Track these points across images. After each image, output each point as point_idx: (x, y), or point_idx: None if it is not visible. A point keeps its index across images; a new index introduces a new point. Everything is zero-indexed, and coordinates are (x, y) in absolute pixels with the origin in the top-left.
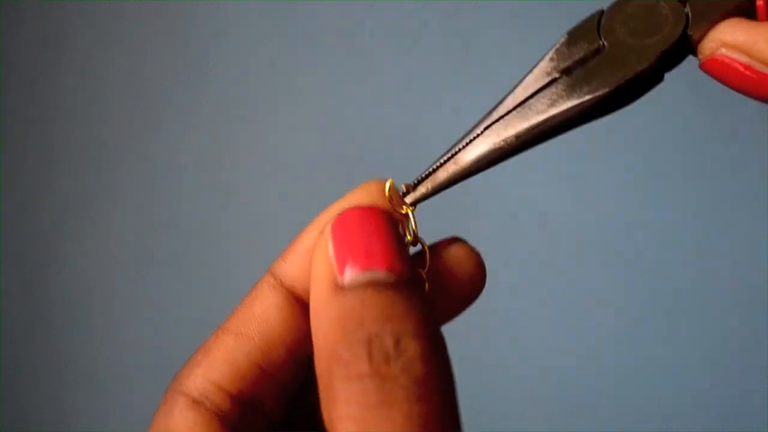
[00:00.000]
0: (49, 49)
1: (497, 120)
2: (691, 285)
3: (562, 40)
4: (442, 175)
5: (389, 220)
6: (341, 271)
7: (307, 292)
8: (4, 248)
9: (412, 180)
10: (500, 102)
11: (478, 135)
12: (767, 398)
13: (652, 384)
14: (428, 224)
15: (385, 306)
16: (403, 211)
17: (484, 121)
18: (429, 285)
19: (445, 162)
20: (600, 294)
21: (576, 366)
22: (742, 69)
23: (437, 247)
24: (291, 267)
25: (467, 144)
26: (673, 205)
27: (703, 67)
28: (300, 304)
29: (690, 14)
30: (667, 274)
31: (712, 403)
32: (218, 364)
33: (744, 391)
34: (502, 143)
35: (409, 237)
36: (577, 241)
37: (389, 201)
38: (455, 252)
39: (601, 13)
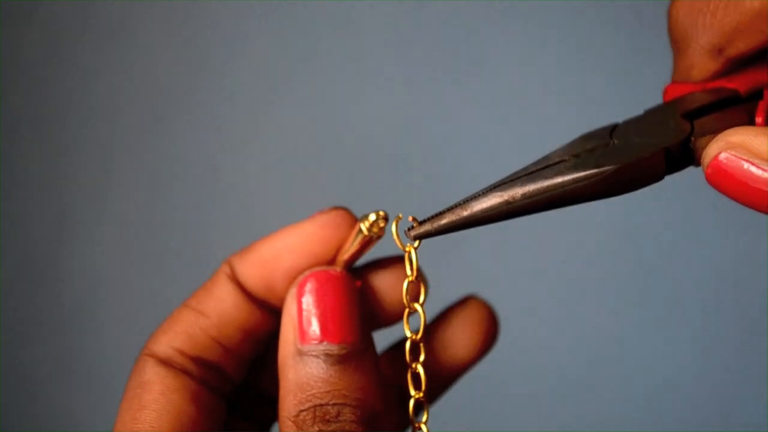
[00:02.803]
0: (50, 48)
1: (507, 181)
2: (690, 285)
3: (575, 138)
4: (449, 217)
5: (348, 289)
6: (301, 338)
7: (257, 292)
8: (5, 248)
9: (419, 216)
10: (510, 174)
11: (488, 191)
12: (767, 398)
13: (652, 384)
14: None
15: (332, 381)
16: (407, 249)
17: (495, 184)
18: (425, 343)
19: (455, 207)
20: (599, 294)
21: (575, 366)
22: (745, 170)
23: (451, 308)
24: (246, 269)
25: (477, 196)
26: (672, 205)
27: (709, 170)
28: (251, 297)
29: (695, 128)
30: (666, 274)
31: (711, 403)
32: (179, 335)
33: (744, 391)
34: (509, 199)
35: (410, 276)
36: (576, 240)
37: (395, 237)
38: (470, 310)
39: (615, 125)
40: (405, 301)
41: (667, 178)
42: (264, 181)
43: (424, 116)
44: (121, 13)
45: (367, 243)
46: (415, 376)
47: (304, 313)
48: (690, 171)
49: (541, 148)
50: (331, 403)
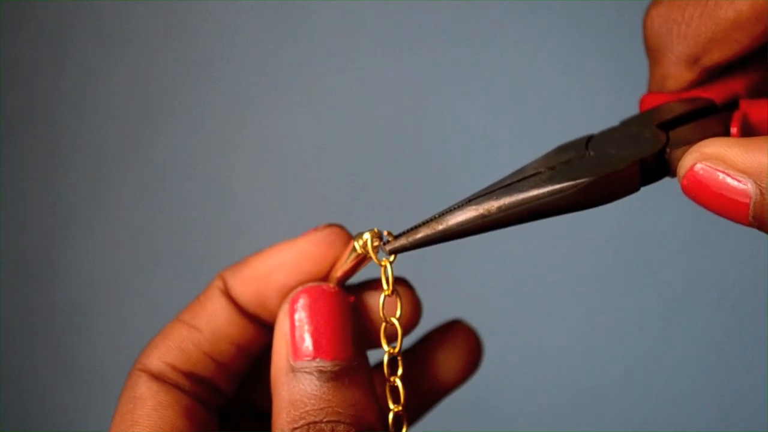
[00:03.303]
0: (52, 48)
1: (482, 195)
2: (690, 285)
3: (551, 150)
4: (424, 231)
5: (341, 305)
6: (294, 355)
7: (250, 307)
8: (5, 248)
9: (395, 230)
10: (485, 187)
11: (463, 204)
12: (767, 398)
13: (652, 384)
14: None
15: (326, 397)
16: (383, 263)
17: (471, 197)
18: (402, 361)
19: (430, 221)
20: (599, 294)
21: (575, 366)
22: (720, 180)
23: (436, 330)
24: (239, 284)
25: (452, 210)
26: (672, 205)
27: (684, 181)
28: (243, 312)
29: (670, 138)
30: (666, 274)
31: (711, 403)
32: (172, 350)
33: (744, 391)
34: (485, 212)
35: (386, 290)
36: (576, 240)
37: (371, 251)
38: (455, 335)
39: (591, 136)
40: (381, 315)
41: (671, 181)
42: (263, 183)
43: (425, 117)
44: (120, 13)
45: (361, 261)
46: (394, 390)
47: (297, 329)
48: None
49: (540, 148)
50: (324, 420)
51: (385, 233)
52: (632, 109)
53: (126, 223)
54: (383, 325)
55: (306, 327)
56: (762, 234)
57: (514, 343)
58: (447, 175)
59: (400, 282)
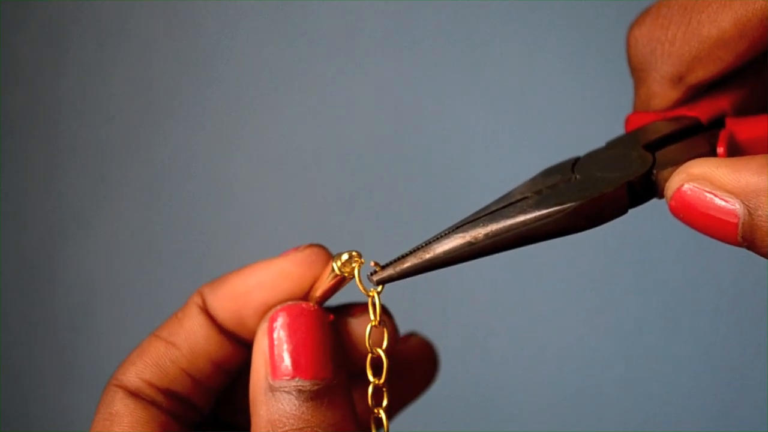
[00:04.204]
0: (52, 48)
1: (469, 222)
2: (690, 285)
3: (537, 174)
4: (411, 260)
5: (319, 324)
6: (273, 374)
7: (228, 325)
8: (5, 248)
9: (381, 261)
10: (472, 214)
11: (450, 231)
12: (767, 398)
13: (652, 384)
14: (431, 223)
15: (305, 417)
16: (370, 294)
17: (457, 224)
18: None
19: (416, 250)
20: (599, 294)
21: (575, 366)
22: (708, 201)
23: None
24: (217, 301)
25: (439, 238)
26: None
27: (672, 203)
28: (221, 330)
29: (656, 159)
30: (666, 274)
31: (711, 403)
32: (149, 367)
33: (744, 391)
34: (472, 239)
35: (374, 321)
36: (576, 240)
37: (356, 273)
38: (412, 346)
39: (577, 159)
40: (368, 345)
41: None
42: (263, 183)
43: (425, 117)
44: (120, 13)
45: (339, 282)
46: (378, 421)
47: (276, 347)
48: None
49: (540, 148)
50: None
51: (372, 263)
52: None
53: (126, 223)
54: (369, 356)
55: (285, 346)
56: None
57: (514, 343)
58: (447, 176)
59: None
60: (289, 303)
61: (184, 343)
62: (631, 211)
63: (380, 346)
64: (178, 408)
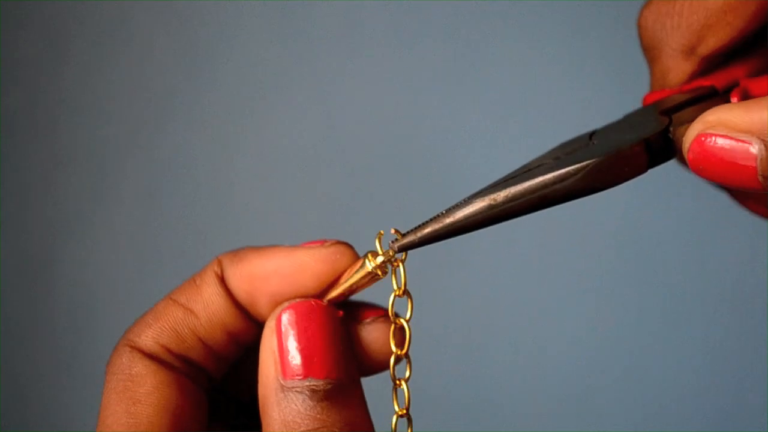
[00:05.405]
0: (52, 48)
1: (488, 187)
2: (690, 285)
3: (555, 146)
4: (432, 226)
5: (330, 321)
6: (284, 373)
7: (241, 301)
8: (5, 248)
9: (403, 229)
10: (491, 183)
11: (469, 198)
12: (767, 398)
13: (652, 384)
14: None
15: (319, 417)
16: (395, 264)
17: (476, 192)
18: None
19: (437, 216)
20: (599, 294)
21: (575, 366)
22: (725, 145)
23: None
24: (234, 277)
25: (459, 204)
26: (672, 205)
27: (690, 155)
28: (236, 303)
29: (673, 120)
30: (666, 274)
31: (711, 403)
32: (167, 332)
33: (744, 391)
34: (492, 202)
35: (397, 291)
36: (576, 240)
37: (381, 251)
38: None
39: (594, 131)
40: (390, 315)
41: (670, 178)
42: (263, 183)
43: (425, 117)
44: (120, 13)
45: (370, 281)
46: (399, 392)
47: (286, 346)
48: (689, 172)
49: (540, 148)
50: None
51: (392, 231)
52: (634, 107)
53: (126, 223)
54: (392, 327)
55: (295, 344)
56: (762, 234)
57: (514, 343)
58: (447, 175)
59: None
60: (298, 300)
61: (202, 311)
62: (631, 211)
63: (404, 318)
64: (192, 374)
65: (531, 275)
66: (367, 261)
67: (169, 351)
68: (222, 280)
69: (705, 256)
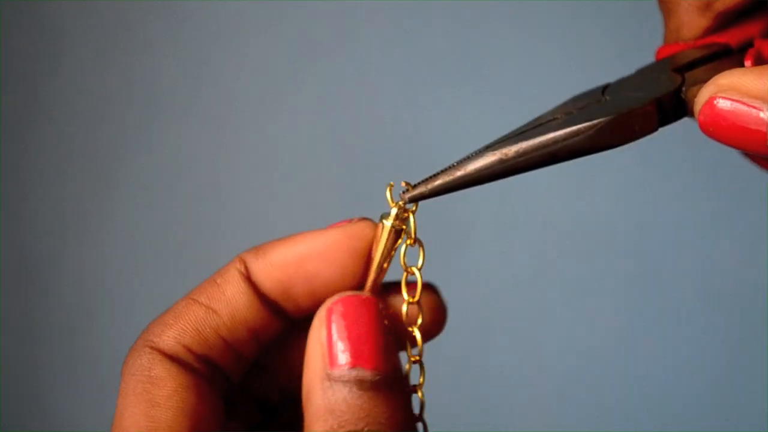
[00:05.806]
0: (52, 48)
1: (500, 141)
2: (691, 285)
3: (568, 99)
4: (442, 178)
5: (379, 314)
6: (331, 363)
7: (272, 294)
8: (5, 248)
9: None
10: (503, 135)
11: (481, 150)
12: (767, 398)
13: (652, 384)
14: (431, 224)
15: (365, 407)
16: (405, 215)
17: (488, 144)
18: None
19: (448, 168)
20: (599, 294)
21: (575, 366)
22: (736, 109)
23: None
24: (262, 270)
25: (470, 157)
26: (672, 205)
27: (701, 117)
28: (262, 299)
29: (686, 79)
30: (666, 274)
31: (712, 403)
32: (188, 332)
33: (744, 391)
34: (503, 156)
35: (409, 241)
36: (577, 241)
37: (392, 201)
38: (426, 299)
39: (607, 85)
40: (402, 264)
41: (671, 178)
42: (263, 183)
43: (425, 117)
44: (120, 13)
45: (394, 240)
46: (412, 338)
47: (335, 338)
48: (693, 170)
49: None
50: (365, 430)
51: (403, 183)
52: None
53: (126, 223)
54: (404, 274)
55: (345, 336)
56: (762, 234)
57: (514, 343)
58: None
59: (425, 287)
60: (347, 293)
61: (225, 309)
62: (631, 211)
63: (414, 268)
64: (212, 375)
65: (531, 275)
66: (384, 222)
67: (190, 351)
68: (246, 278)
69: (705, 257)
